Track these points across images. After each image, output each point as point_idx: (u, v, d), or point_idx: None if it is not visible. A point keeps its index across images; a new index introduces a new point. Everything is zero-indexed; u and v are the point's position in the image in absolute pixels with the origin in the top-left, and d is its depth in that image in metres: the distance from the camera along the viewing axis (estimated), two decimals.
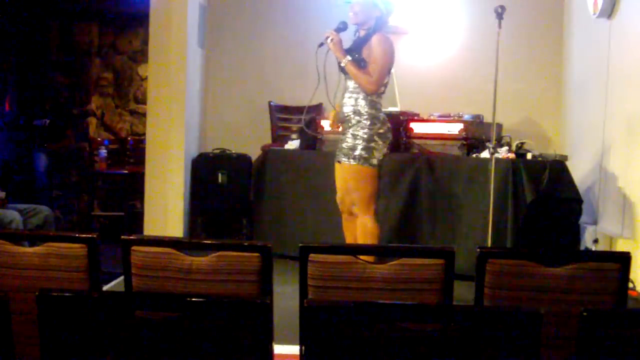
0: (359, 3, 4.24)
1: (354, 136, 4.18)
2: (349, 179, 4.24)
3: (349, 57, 4.17)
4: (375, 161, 4.18)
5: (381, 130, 4.19)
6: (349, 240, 4.38)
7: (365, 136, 4.16)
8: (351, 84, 4.23)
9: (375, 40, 4.19)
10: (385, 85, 4.28)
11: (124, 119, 7.91)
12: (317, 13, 6.55)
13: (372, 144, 4.17)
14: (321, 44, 4.23)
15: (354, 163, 4.18)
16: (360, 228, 4.25)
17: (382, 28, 4.29)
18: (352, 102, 4.21)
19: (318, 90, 4.16)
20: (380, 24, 4.27)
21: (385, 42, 4.23)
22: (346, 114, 4.24)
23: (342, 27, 4.28)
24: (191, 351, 1.74)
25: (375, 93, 4.20)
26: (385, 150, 4.23)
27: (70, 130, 7.85)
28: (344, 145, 4.22)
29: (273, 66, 6.88)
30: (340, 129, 4.38)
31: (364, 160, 4.16)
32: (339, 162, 4.29)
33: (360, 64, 4.16)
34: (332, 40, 4.19)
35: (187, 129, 6.17)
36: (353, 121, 4.20)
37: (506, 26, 4.56)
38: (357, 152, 4.16)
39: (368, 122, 4.16)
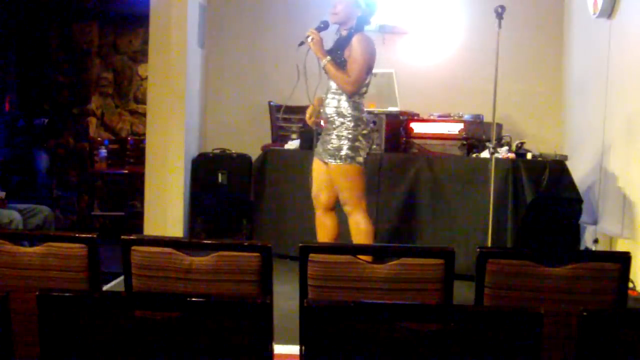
0: (342, 2, 4.23)
1: (339, 137, 4.20)
2: (337, 179, 4.25)
3: (328, 57, 4.16)
4: (361, 159, 4.21)
5: (365, 132, 4.22)
6: (320, 236, 4.38)
7: (350, 136, 4.18)
8: (333, 84, 4.23)
9: (355, 40, 4.18)
10: (367, 85, 4.27)
11: (124, 119, 7.92)
12: (317, 13, 6.50)
13: (357, 143, 4.20)
14: (301, 43, 4.21)
15: (341, 163, 4.20)
16: (353, 226, 4.27)
17: (364, 27, 4.28)
18: (335, 103, 4.22)
19: (299, 88, 4.15)
20: (361, 23, 4.27)
21: (365, 42, 4.21)
22: (329, 115, 4.24)
23: (323, 27, 4.27)
24: (191, 351, 1.74)
25: (354, 93, 4.19)
26: (368, 149, 4.26)
27: (70, 130, 7.85)
28: (329, 146, 4.23)
29: (273, 66, 6.87)
30: (317, 125, 4.38)
31: (351, 159, 4.18)
32: (324, 162, 4.28)
33: (342, 64, 4.17)
34: (312, 39, 4.18)
35: (187, 129, 6.16)
36: (337, 123, 4.21)
37: (506, 26, 4.56)
38: (343, 152, 4.18)
39: (352, 124, 4.19)
